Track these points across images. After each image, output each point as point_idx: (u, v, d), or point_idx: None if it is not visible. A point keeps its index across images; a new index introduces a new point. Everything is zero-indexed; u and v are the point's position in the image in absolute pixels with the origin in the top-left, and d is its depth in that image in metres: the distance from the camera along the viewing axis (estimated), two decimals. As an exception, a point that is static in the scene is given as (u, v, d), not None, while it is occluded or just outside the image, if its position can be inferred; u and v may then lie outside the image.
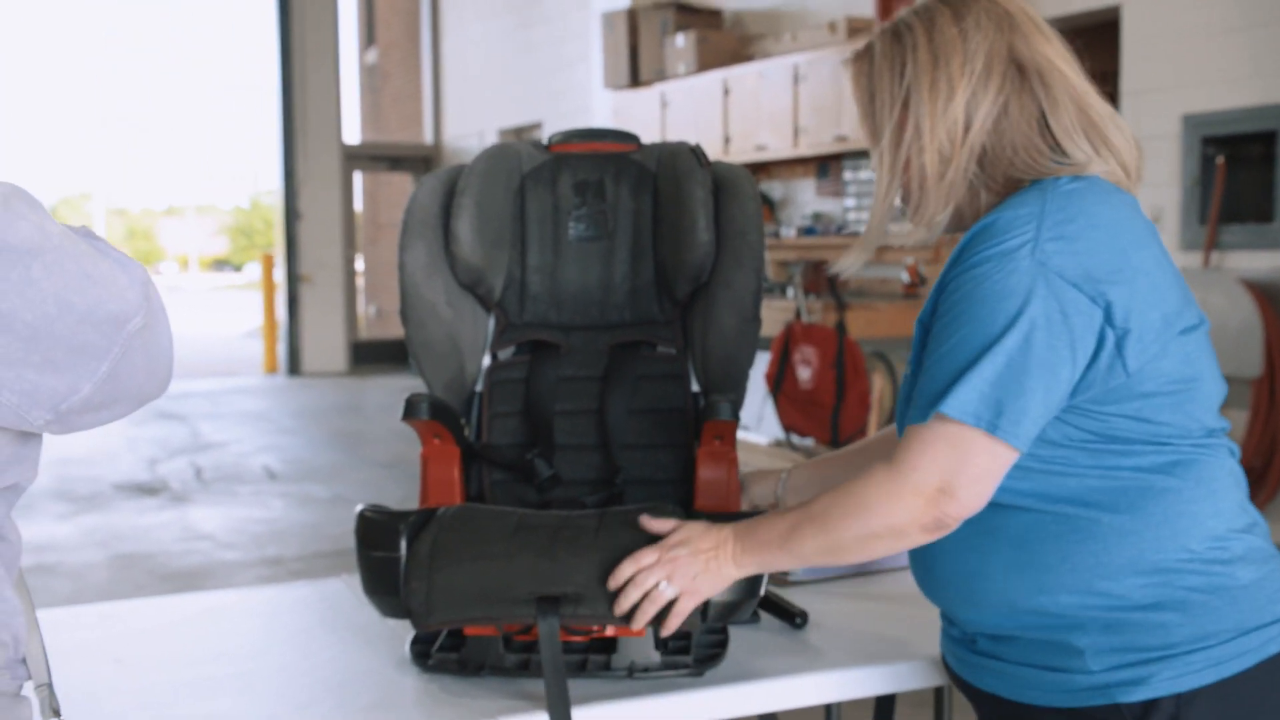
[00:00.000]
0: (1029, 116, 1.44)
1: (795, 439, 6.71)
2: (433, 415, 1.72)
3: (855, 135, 6.99)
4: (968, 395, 1.32)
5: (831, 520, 1.42)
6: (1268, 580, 1.40)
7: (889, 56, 1.48)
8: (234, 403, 11.19)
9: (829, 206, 7.75)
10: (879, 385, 6.54)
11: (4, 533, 1.16)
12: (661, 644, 1.60)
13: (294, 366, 13.23)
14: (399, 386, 12.25)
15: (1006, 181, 1.46)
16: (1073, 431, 1.38)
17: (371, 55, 16.65)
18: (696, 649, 1.61)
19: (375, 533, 1.59)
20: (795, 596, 1.86)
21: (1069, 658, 1.38)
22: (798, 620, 1.76)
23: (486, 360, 1.90)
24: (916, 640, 1.72)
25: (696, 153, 1.86)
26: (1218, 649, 1.35)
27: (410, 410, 1.71)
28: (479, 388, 1.89)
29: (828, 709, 1.85)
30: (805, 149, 7.41)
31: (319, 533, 6.18)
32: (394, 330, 15.19)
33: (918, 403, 1.39)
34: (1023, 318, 1.31)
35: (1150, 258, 1.38)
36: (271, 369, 13.47)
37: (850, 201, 7.56)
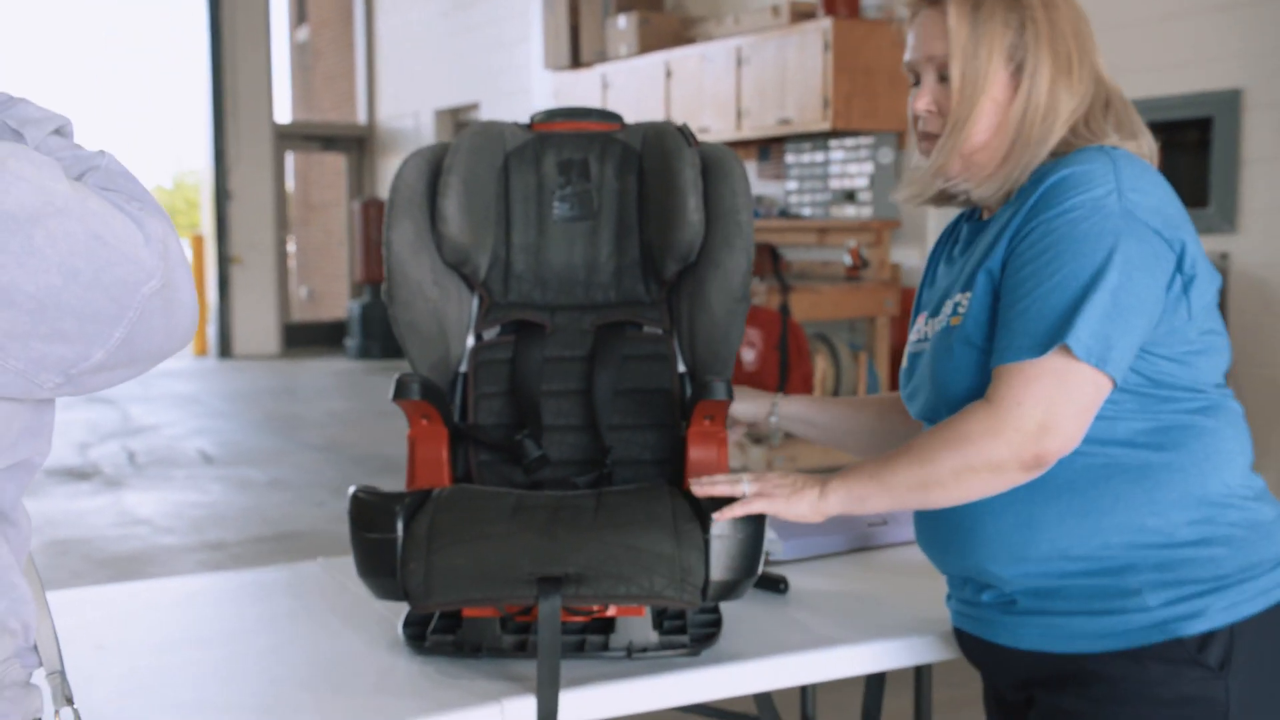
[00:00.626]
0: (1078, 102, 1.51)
1: (739, 421, 6.73)
2: (423, 396, 1.70)
3: (798, 118, 7.02)
4: (1083, 330, 1.36)
5: (929, 452, 1.44)
6: (1270, 516, 1.48)
7: (1004, 7, 1.49)
8: (164, 385, 10.99)
9: (770, 189, 7.77)
10: (821, 367, 6.59)
11: (14, 517, 1.12)
12: (658, 624, 1.59)
13: (225, 349, 13.04)
14: (332, 369, 12.13)
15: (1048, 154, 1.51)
16: (1129, 375, 1.42)
17: (303, 33, 16.40)
18: (692, 629, 1.61)
19: (370, 514, 1.57)
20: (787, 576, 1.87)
21: (1125, 599, 1.42)
22: (781, 586, 1.79)
23: (470, 341, 1.88)
24: (905, 618, 1.73)
25: (684, 132, 1.85)
26: (1262, 579, 1.43)
27: (400, 390, 1.68)
28: (464, 368, 1.87)
29: (803, 689, 1.86)
30: (748, 131, 7.42)
31: (259, 516, 6.09)
32: (326, 312, 15.05)
33: (1014, 342, 1.40)
34: (1119, 256, 1.37)
35: (1186, 218, 1.47)
36: (201, 351, 13.26)
37: (792, 184, 7.59)
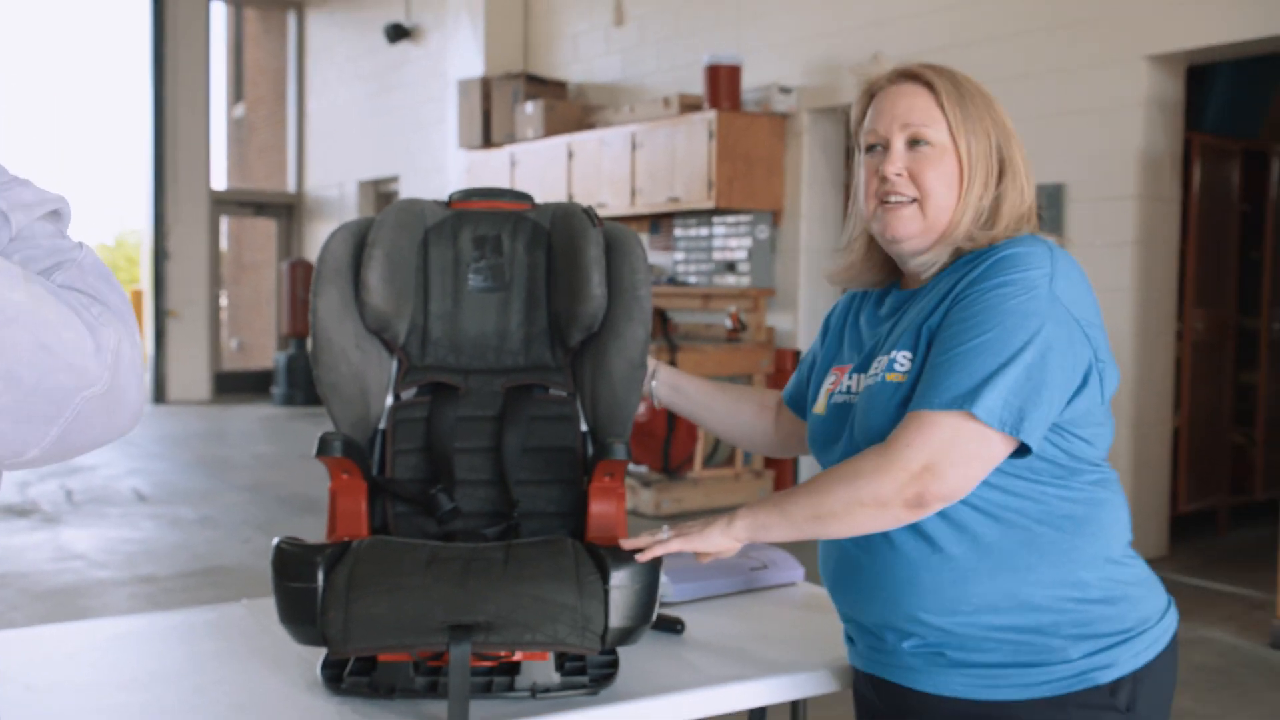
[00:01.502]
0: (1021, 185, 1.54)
1: (631, 466, 6.70)
2: (345, 453, 1.63)
3: (685, 197, 7.06)
4: (994, 398, 1.35)
5: (825, 486, 1.42)
6: (1150, 576, 1.52)
7: (980, 101, 1.51)
8: (102, 428, 10.61)
9: (660, 259, 7.80)
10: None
11: None
12: (560, 665, 1.55)
13: (159, 395, 12.65)
14: (259, 415, 11.83)
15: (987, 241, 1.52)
16: (1049, 447, 1.42)
17: (239, 109, 16.14)
18: (591, 669, 1.56)
19: (292, 564, 1.50)
20: (680, 616, 1.83)
21: (1050, 652, 1.42)
22: (678, 627, 1.75)
23: (389, 400, 1.82)
24: (789, 656, 1.70)
25: (589, 213, 1.82)
26: (1153, 629, 1.46)
27: (323, 448, 1.62)
28: (382, 425, 1.80)
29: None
30: (641, 207, 7.45)
31: (190, 552, 5.87)
32: (255, 362, 14.70)
33: (927, 393, 1.38)
34: (1040, 337, 1.36)
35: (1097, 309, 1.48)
36: (138, 397, 12.84)
37: (680, 255, 7.63)
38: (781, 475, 6.99)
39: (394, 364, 1.83)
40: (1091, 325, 1.42)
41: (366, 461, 1.72)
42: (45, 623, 1.71)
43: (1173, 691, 1.49)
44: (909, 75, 1.51)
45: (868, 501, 1.37)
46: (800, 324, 7.08)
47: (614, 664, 1.58)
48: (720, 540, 1.49)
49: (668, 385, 1.87)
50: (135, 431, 10.46)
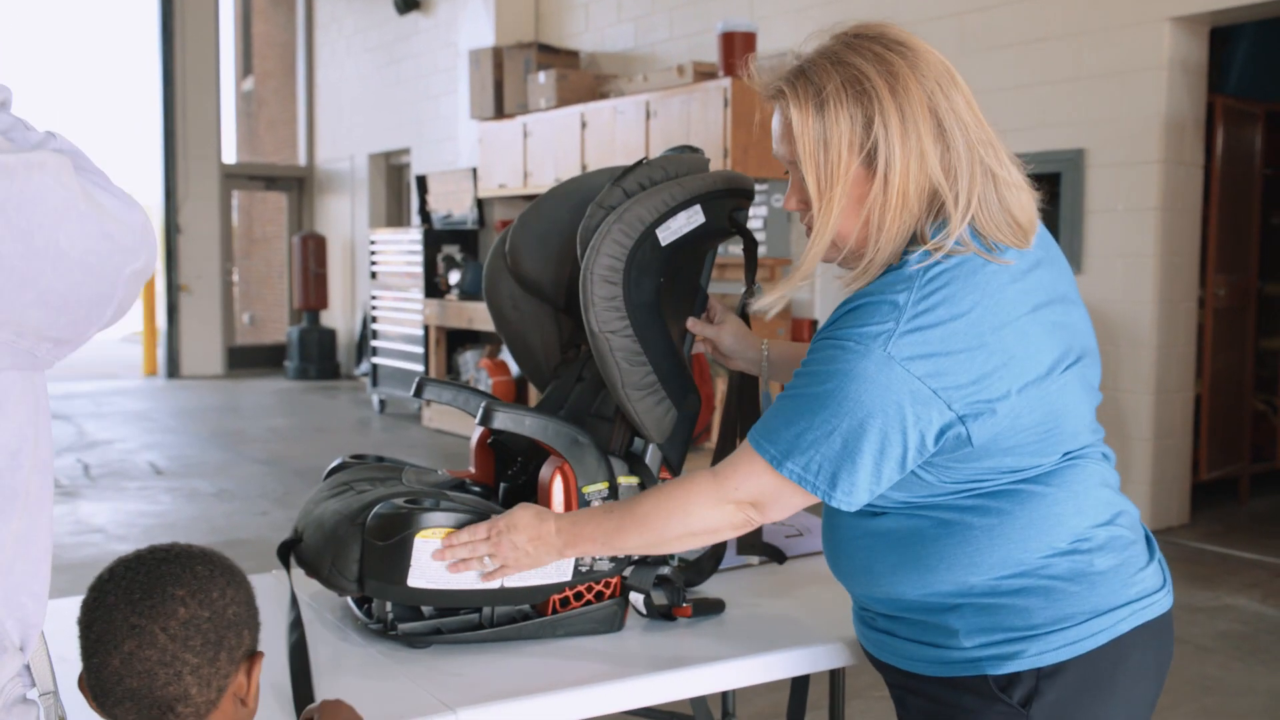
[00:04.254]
0: (935, 174, 1.34)
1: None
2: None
3: (700, 167, 7.00)
4: (805, 463, 1.33)
5: (655, 521, 1.44)
6: (1125, 566, 1.40)
7: (848, 105, 1.33)
8: (117, 403, 10.63)
9: (675, 230, 7.75)
10: (722, 389, 6.56)
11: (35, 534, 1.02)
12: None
13: (173, 370, 12.66)
14: (273, 389, 11.83)
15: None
16: (938, 476, 1.37)
17: (249, 83, 16.06)
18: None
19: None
20: (715, 583, 1.81)
21: (946, 636, 1.39)
22: (719, 608, 1.73)
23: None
24: (826, 624, 1.68)
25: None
26: (1074, 629, 1.36)
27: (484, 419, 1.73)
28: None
29: (724, 695, 1.79)
30: (655, 178, 7.39)
31: (207, 525, 5.87)
32: (267, 336, 14.70)
33: (759, 428, 1.38)
34: (861, 406, 1.29)
35: (1014, 332, 1.31)
36: (151, 371, 12.86)
37: (694, 226, 7.57)
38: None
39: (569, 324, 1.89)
40: (942, 380, 1.28)
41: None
42: (68, 595, 1.69)
43: (1131, 693, 1.38)
44: (770, 95, 1.40)
45: (700, 532, 1.43)
46: (817, 292, 7.02)
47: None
48: (551, 563, 1.55)
49: (778, 362, 1.77)
50: (150, 406, 10.49)
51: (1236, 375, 6.30)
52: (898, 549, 1.39)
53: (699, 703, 1.84)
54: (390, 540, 1.50)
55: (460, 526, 1.52)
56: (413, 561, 1.50)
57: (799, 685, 1.76)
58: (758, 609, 1.75)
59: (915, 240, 1.35)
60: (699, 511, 1.41)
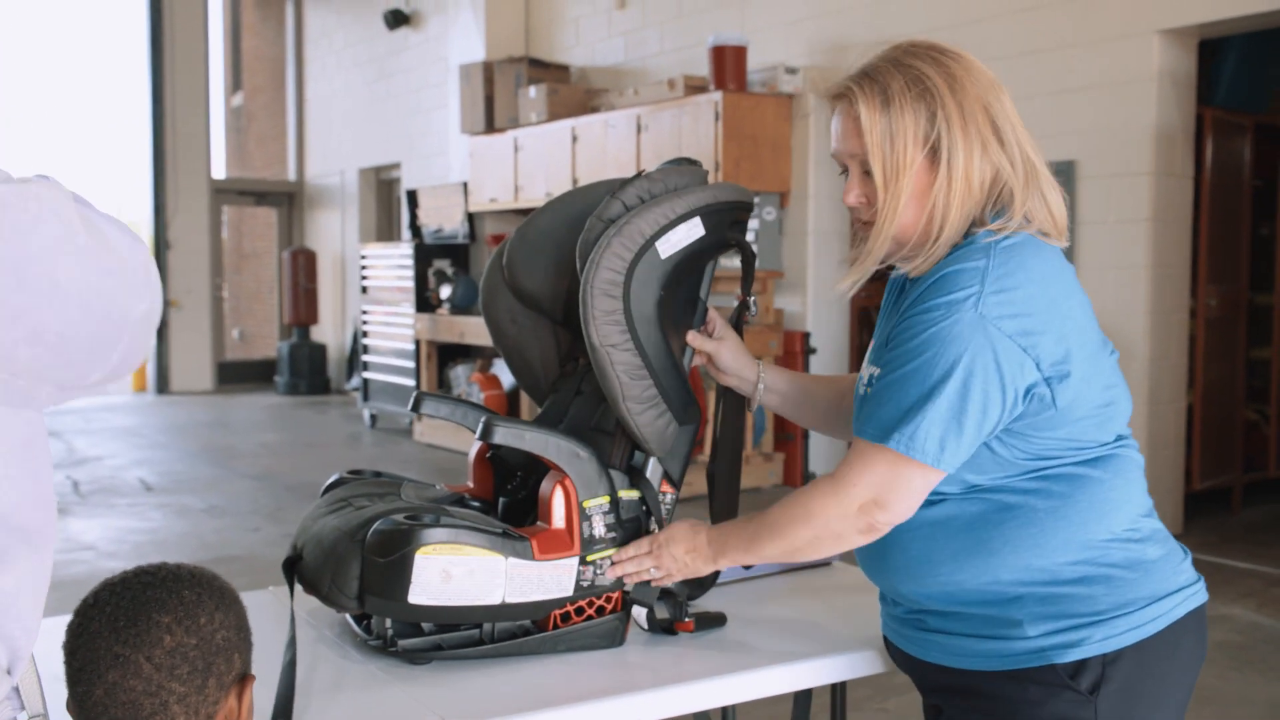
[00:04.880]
0: (998, 160, 1.44)
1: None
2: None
3: (692, 180, 6.99)
4: (914, 434, 1.37)
5: (784, 529, 1.48)
6: (1171, 555, 1.47)
7: (912, 101, 1.42)
8: (106, 419, 10.57)
9: (666, 243, 7.74)
10: (712, 401, 6.54)
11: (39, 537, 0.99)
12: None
13: (163, 385, 12.61)
14: (263, 404, 11.79)
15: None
16: (1012, 450, 1.41)
17: (238, 98, 16.05)
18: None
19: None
20: (715, 596, 1.79)
21: (1009, 628, 1.41)
22: (721, 622, 1.72)
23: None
24: (832, 637, 1.67)
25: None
26: (1135, 614, 1.41)
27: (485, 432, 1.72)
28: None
29: (724, 709, 1.78)
30: (646, 191, 7.38)
31: (198, 541, 5.83)
32: (257, 352, 14.64)
33: (865, 422, 1.42)
34: (960, 365, 1.35)
35: (1077, 304, 1.42)
36: (141, 388, 12.80)
37: (685, 239, 7.56)
38: (791, 458, 6.95)
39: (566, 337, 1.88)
40: (1030, 338, 1.36)
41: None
42: (57, 614, 1.66)
43: (1181, 678, 1.44)
44: (836, 95, 1.48)
45: (825, 537, 1.45)
46: (809, 306, 7.02)
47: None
48: (690, 577, 1.63)
49: (771, 390, 1.78)
50: (140, 421, 10.44)
51: (1228, 385, 6.31)
52: (960, 535, 1.42)
53: (700, 718, 1.82)
54: (391, 557, 1.48)
55: (460, 543, 1.50)
56: (414, 578, 1.48)
57: (801, 699, 1.74)
58: (758, 623, 1.73)
59: (974, 226, 1.44)
60: (822, 516, 1.44)
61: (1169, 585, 1.44)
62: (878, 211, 1.45)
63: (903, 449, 1.37)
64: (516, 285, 1.80)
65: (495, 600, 1.52)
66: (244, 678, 1.14)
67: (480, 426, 1.57)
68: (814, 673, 1.60)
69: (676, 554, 1.59)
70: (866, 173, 1.45)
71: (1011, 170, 1.44)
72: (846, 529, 1.44)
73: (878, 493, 1.40)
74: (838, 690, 1.84)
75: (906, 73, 1.43)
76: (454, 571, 1.49)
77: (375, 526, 1.51)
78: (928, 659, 1.49)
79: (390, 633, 1.56)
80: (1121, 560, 1.41)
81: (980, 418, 1.36)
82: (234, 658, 1.12)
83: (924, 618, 1.49)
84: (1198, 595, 1.47)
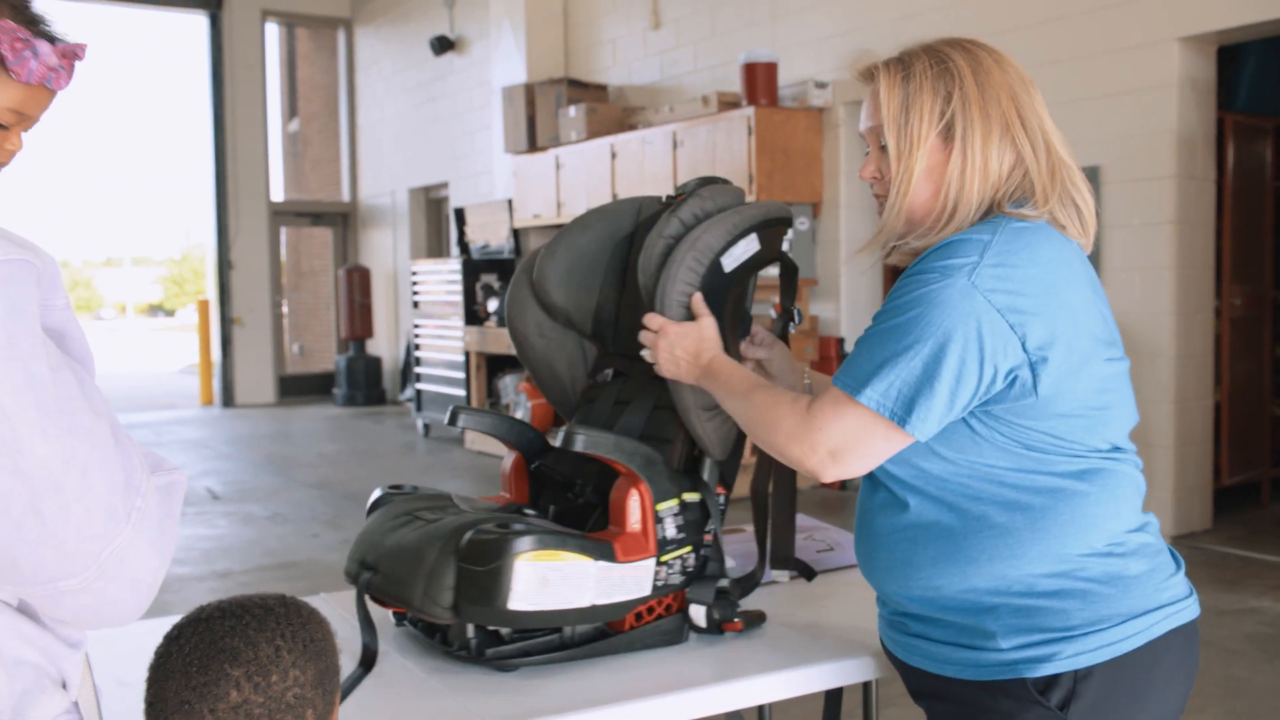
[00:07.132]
0: (1022, 145, 1.41)
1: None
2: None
3: (726, 193, 6.99)
4: (887, 390, 1.32)
5: (757, 413, 1.45)
6: (1156, 571, 1.39)
7: (931, 79, 1.41)
8: (176, 432, 10.73)
9: (703, 254, 7.74)
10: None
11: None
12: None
13: (228, 399, 12.77)
14: (323, 415, 11.90)
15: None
16: (995, 435, 1.35)
17: (294, 125, 16.24)
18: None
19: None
20: (753, 595, 1.79)
21: (984, 638, 1.36)
22: (760, 621, 1.71)
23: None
24: (860, 637, 1.66)
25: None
26: (1110, 631, 1.33)
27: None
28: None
29: (760, 706, 1.77)
30: (683, 205, 7.38)
31: (262, 548, 5.90)
32: (316, 365, 14.80)
33: (844, 370, 1.37)
34: (941, 328, 1.29)
35: (1078, 297, 1.36)
36: (208, 401, 12.98)
37: (721, 250, 7.55)
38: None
39: (595, 350, 1.87)
40: (1020, 317, 1.30)
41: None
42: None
43: (1161, 696, 1.36)
44: (864, 72, 1.49)
45: (773, 447, 1.43)
46: (843, 312, 6.99)
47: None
48: (674, 377, 1.61)
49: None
50: (207, 434, 10.58)
51: (1254, 382, 6.20)
52: (939, 541, 1.37)
53: (735, 715, 1.81)
54: (489, 565, 1.47)
55: (554, 548, 1.50)
56: (513, 585, 1.47)
57: (833, 697, 1.73)
58: (792, 623, 1.73)
59: (993, 211, 1.40)
60: (781, 435, 1.40)
61: (1150, 602, 1.37)
62: (890, 185, 1.43)
63: (874, 405, 1.32)
64: (546, 300, 1.81)
65: (585, 603, 1.52)
66: None
67: (562, 436, 1.57)
68: (846, 671, 1.59)
69: (676, 351, 1.57)
70: (883, 147, 1.44)
71: (1034, 158, 1.39)
72: (796, 460, 1.40)
73: (841, 443, 1.35)
74: (870, 687, 1.84)
75: (933, 55, 1.43)
76: (551, 576, 1.49)
77: (468, 536, 1.50)
78: (910, 663, 1.46)
79: (474, 642, 1.56)
80: (1099, 575, 1.35)
81: (954, 385, 1.30)
82: (305, 713, 1.06)
83: (907, 621, 1.45)
84: (1184, 612, 1.39)
